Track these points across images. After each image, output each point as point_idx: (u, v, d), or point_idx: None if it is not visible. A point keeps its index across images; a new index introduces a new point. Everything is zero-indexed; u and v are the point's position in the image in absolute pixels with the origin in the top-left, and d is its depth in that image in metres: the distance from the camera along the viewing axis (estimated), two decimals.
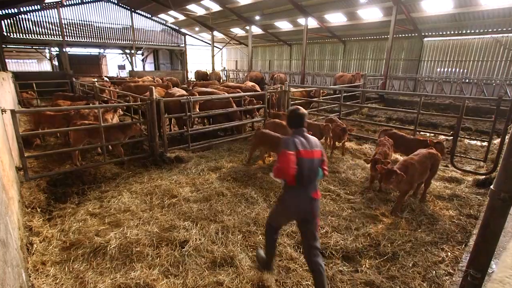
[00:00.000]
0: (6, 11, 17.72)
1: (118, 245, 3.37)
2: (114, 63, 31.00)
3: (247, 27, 23.07)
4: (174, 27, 26.92)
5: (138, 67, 26.43)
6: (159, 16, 25.34)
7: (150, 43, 25.35)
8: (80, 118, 6.50)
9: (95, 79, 14.12)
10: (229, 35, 27.52)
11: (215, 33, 26.89)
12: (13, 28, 18.49)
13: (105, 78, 16.63)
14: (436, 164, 4.60)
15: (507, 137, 5.39)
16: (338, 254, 3.34)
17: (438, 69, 17.60)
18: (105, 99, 9.28)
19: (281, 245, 3.46)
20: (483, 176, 5.48)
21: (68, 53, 20.30)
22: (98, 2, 22.02)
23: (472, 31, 15.62)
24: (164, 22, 26.19)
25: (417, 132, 7.07)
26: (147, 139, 6.54)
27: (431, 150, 4.69)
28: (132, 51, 23.84)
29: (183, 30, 27.95)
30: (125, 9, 23.44)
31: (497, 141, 7.63)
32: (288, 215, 2.82)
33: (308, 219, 2.68)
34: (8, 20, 18.20)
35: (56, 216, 4.09)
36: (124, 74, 28.05)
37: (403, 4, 14.55)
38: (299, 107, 2.78)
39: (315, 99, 9.78)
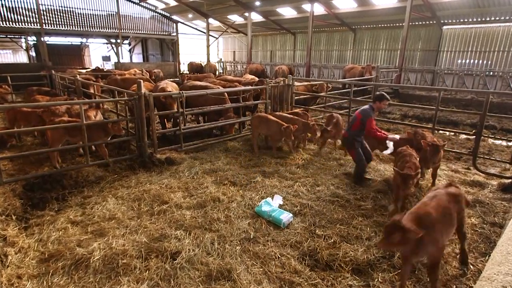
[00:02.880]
0: None
1: (103, 257, 3.37)
2: (98, 54, 31.02)
3: (246, 14, 23.08)
4: (165, 13, 26.93)
5: (125, 59, 26.45)
6: (147, 1, 25.34)
7: (138, 31, 25.36)
8: (52, 115, 6.40)
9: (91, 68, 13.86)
10: (226, 23, 27.53)
11: (211, 20, 26.89)
12: None
13: (105, 68, 16.29)
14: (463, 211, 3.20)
15: None
16: (347, 267, 3.33)
17: (459, 61, 17.62)
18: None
19: (284, 257, 3.47)
20: (509, 180, 5.48)
21: (47, 42, 20.33)
22: None
23: (497, 18, 15.64)
24: (154, 8, 26.21)
25: (436, 131, 7.07)
26: (134, 139, 6.54)
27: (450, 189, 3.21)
28: (118, 41, 23.83)
29: (174, 17, 27.96)
30: None
31: None
32: None
33: None
34: None
35: (33, 225, 4.09)
36: (109, 66, 28.08)
37: None
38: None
39: (321, 94, 9.77)
